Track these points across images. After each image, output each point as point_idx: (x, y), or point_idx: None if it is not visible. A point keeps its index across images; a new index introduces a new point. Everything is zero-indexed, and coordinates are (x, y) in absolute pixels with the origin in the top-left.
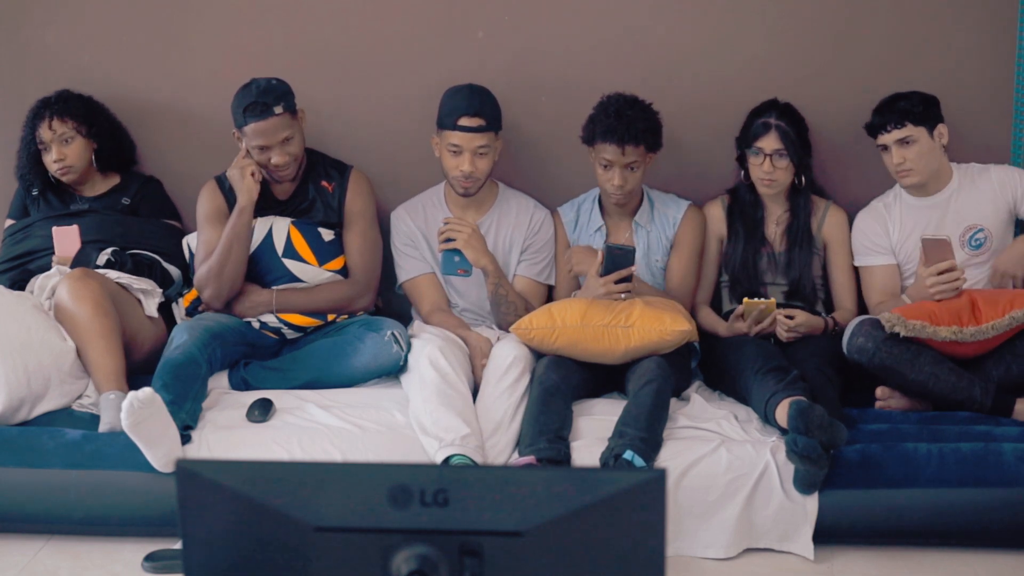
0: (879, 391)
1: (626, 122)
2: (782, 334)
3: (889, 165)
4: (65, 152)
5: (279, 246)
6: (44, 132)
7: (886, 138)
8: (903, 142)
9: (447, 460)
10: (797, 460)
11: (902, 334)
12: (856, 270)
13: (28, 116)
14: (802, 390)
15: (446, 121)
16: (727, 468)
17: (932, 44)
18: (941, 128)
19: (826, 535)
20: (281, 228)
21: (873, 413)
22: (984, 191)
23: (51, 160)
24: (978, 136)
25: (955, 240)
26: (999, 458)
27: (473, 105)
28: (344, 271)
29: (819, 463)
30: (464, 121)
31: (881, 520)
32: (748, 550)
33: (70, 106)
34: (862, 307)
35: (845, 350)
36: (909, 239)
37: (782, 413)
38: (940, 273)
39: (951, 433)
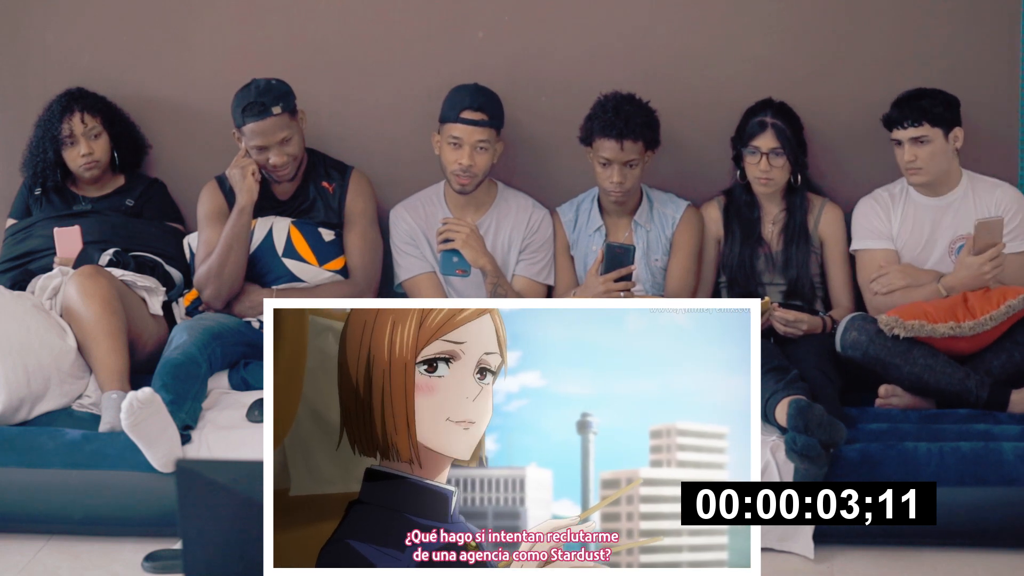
0: (882, 389)
1: (624, 117)
2: (780, 328)
3: (900, 160)
4: (93, 147)
5: (279, 246)
6: (75, 125)
7: (901, 134)
8: (918, 140)
9: None
10: (796, 459)
11: (901, 335)
12: (853, 266)
13: (51, 110)
14: (801, 389)
15: (449, 114)
16: None
17: (933, 45)
18: (957, 131)
19: (826, 535)
20: (281, 228)
21: (873, 412)
22: (984, 205)
23: (78, 154)
24: (980, 138)
25: (943, 247)
26: (999, 457)
27: (477, 100)
28: (344, 271)
29: (818, 462)
30: (467, 114)
31: None
32: None
33: (96, 102)
34: (859, 304)
35: (839, 347)
36: (909, 234)
37: (781, 412)
38: (992, 258)
39: (951, 432)
